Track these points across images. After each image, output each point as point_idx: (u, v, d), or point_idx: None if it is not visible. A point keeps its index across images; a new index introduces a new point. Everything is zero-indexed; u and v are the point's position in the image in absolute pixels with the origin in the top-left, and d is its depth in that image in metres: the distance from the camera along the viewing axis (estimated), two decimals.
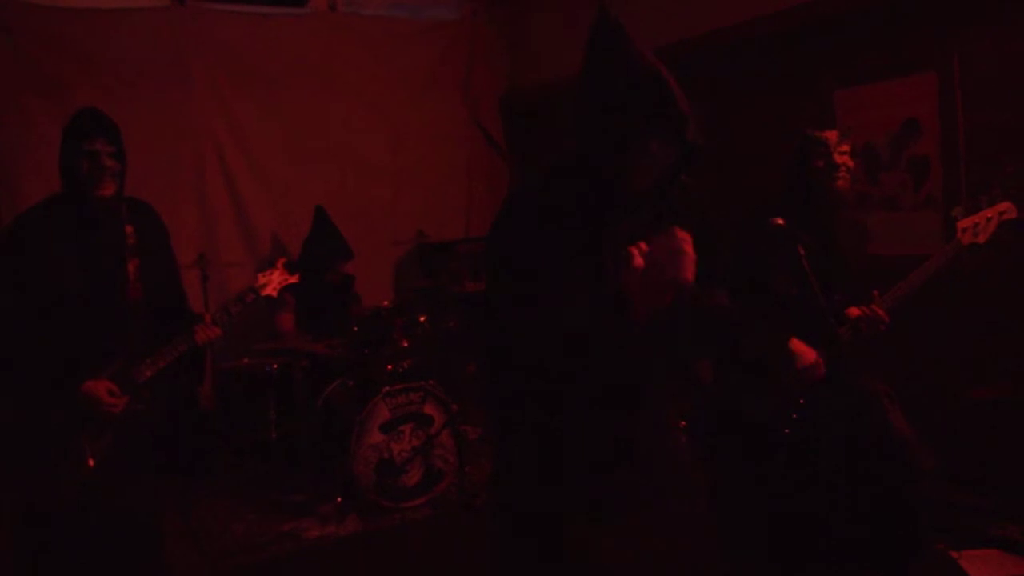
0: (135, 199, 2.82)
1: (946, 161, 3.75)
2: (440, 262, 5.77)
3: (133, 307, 2.71)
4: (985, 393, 3.50)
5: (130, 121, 3.04)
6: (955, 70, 3.67)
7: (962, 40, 3.63)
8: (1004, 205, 2.92)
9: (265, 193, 5.60)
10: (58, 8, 4.86)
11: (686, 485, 1.93)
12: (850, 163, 3.02)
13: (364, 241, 5.32)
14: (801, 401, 2.91)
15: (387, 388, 4.19)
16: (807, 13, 4.14)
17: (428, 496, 4.26)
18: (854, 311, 2.94)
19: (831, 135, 2.99)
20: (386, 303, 4.68)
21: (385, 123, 6.00)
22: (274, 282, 3.07)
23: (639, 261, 1.69)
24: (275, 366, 4.62)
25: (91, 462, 2.59)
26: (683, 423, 2.02)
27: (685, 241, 1.59)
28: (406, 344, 4.56)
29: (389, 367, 4.43)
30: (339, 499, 4.16)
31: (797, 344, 2.86)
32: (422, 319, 4.71)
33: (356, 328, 4.50)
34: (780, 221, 2.72)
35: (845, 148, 3.00)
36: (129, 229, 2.73)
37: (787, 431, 2.91)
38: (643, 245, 1.71)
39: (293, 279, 3.12)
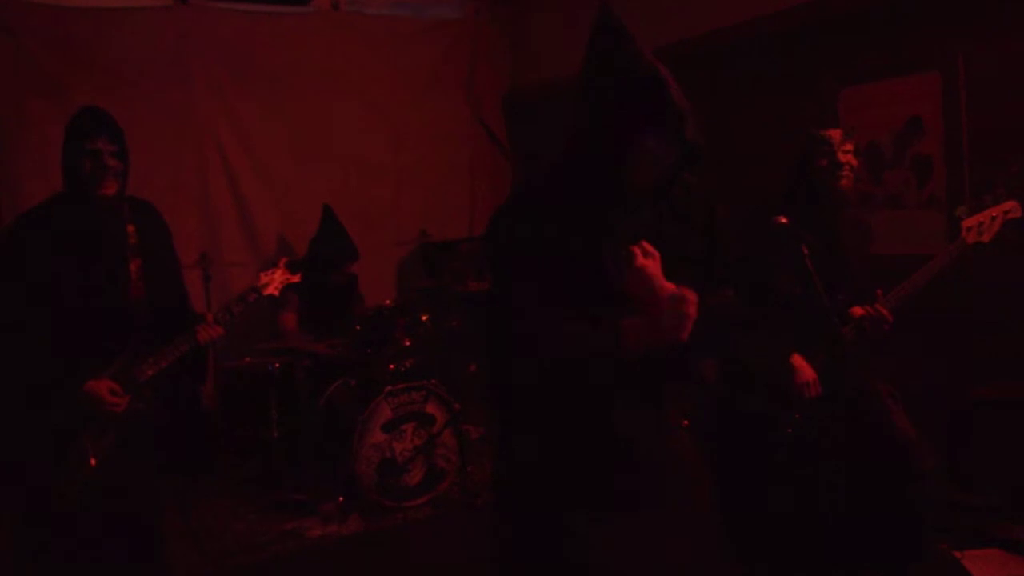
0: (137, 198, 2.82)
1: (950, 160, 3.75)
2: (443, 261, 5.77)
3: (135, 306, 2.70)
4: (988, 392, 3.49)
5: (132, 120, 3.04)
6: (959, 69, 3.66)
7: (966, 39, 3.62)
8: (1009, 204, 2.91)
9: (268, 192, 5.59)
10: (60, 7, 4.86)
11: (690, 485, 1.92)
12: (854, 162, 3.01)
13: (367, 240, 5.31)
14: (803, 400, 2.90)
15: (389, 387, 4.19)
16: (810, 12, 4.13)
17: (430, 495, 4.26)
18: (858, 311, 2.93)
19: (835, 134, 2.99)
20: (388, 302, 4.68)
21: (388, 122, 6.00)
22: (276, 281, 3.06)
23: (641, 261, 1.69)
24: (277, 365, 4.62)
25: (93, 461, 2.59)
26: (686, 422, 2.01)
27: (691, 304, 1.63)
28: (408, 343, 4.56)
29: (391, 366, 4.43)
30: (341, 498, 4.16)
31: (798, 360, 2.87)
32: (424, 318, 4.71)
33: (358, 327, 4.50)
34: (783, 220, 2.71)
35: (849, 147, 3.00)
36: (131, 228, 2.72)
37: (789, 430, 2.91)
38: (645, 244, 1.71)
39: (295, 278, 3.12)
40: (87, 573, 2.58)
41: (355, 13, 5.93)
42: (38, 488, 2.61)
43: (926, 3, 3.72)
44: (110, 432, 2.63)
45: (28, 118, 4.75)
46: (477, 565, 3.30)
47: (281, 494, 4.36)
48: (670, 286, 1.72)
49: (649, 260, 1.70)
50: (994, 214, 2.90)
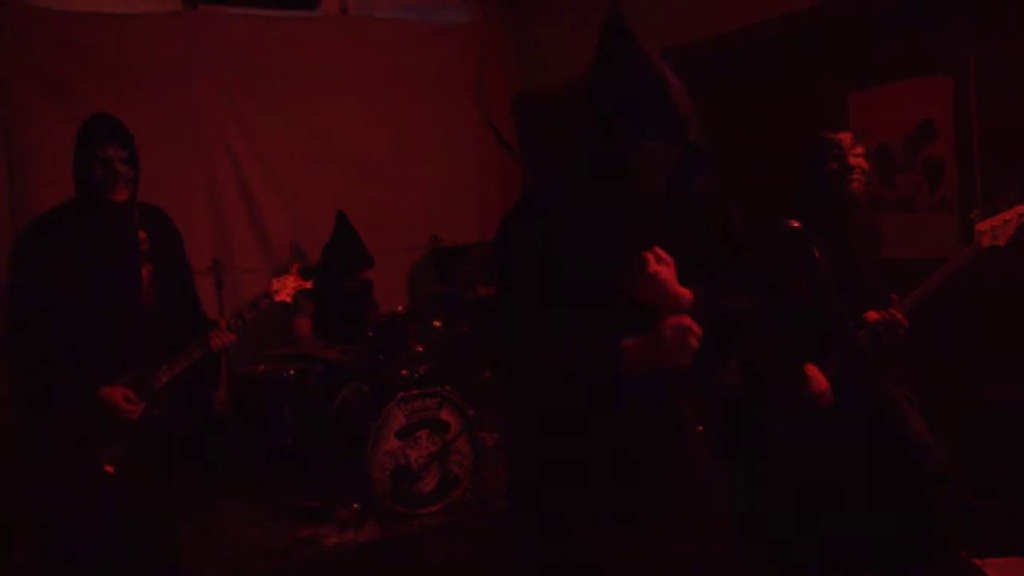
0: (148, 204, 2.84)
1: (961, 163, 3.73)
2: (454, 266, 5.76)
3: (147, 312, 2.72)
4: (1004, 394, 3.47)
5: (143, 126, 3.06)
6: (970, 73, 3.65)
7: (976, 43, 3.61)
8: (1023, 207, 2.90)
9: (278, 197, 5.60)
10: (70, 13, 4.88)
11: (702, 491, 1.92)
12: (864, 165, 3.00)
13: (378, 246, 5.31)
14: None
15: (402, 393, 4.19)
16: (821, 15, 4.12)
17: (445, 502, 4.25)
18: (873, 315, 2.91)
19: (845, 137, 2.97)
20: (400, 308, 4.68)
21: (397, 126, 6.00)
22: (288, 287, 3.08)
23: (654, 267, 1.69)
24: (291, 371, 4.63)
25: (108, 468, 2.60)
26: (700, 428, 2.00)
27: (694, 334, 1.64)
28: (421, 349, 4.56)
29: (404, 372, 4.42)
30: (356, 505, 4.16)
31: (812, 370, 2.86)
32: (437, 324, 4.71)
33: (371, 334, 4.50)
34: (795, 224, 2.70)
35: (859, 150, 2.98)
36: (142, 235, 2.74)
37: (804, 436, 2.89)
38: (659, 250, 1.71)
39: (307, 285, 3.13)
40: None
41: (364, 17, 5.93)
42: (56, 494, 2.63)
43: (936, 6, 3.70)
44: (125, 439, 2.64)
45: (39, 124, 4.76)
46: (492, 571, 3.30)
47: (296, 501, 4.36)
48: (685, 292, 1.72)
49: (662, 266, 1.70)
50: (1008, 217, 2.88)
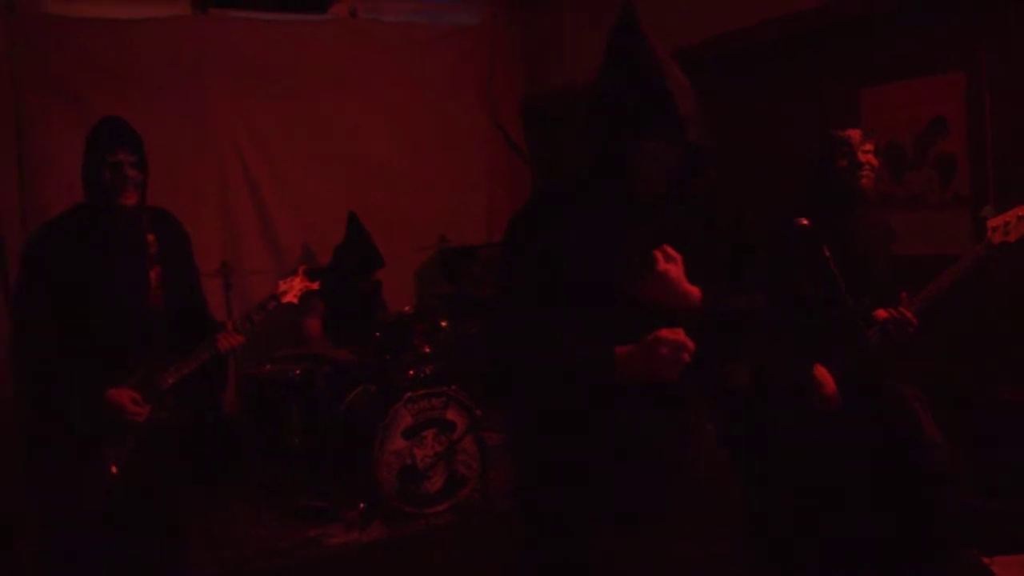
0: (156, 208, 2.85)
1: (973, 159, 3.70)
2: (462, 267, 5.76)
3: (155, 315, 2.73)
4: (1017, 394, 3.43)
5: (153, 129, 3.07)
6: (982, 69, 3.61)
7: (990, 39, 3.57)
8: None
9: (288, 200, 5.62)
10: (80, 19, 4.92)
11: (711, 488, 1.90)
12: (874, 162, 2.98)
13: (386, 247, 5.31)
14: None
15: (409, 394, 4.19)
16: (832, 13, 4.09)
17: (451, 502, 4.25)
18: (882, 313, 2.88)
19: (854, 134, 2.96)
20: (408, 309, 4.68)
21: (406, 128, 6.01)
22: (295, 289, 3.07)
23: (663, 265, 1.68)
24: (298, 372, 4.64)
25: (114, 469, 2.60)
26: (710, 426, 1.99)
27: (687, 349, 1.64)
28: (428, 350, 4.56)
29: (411, 373, 4.42)
30: (362, 505, 4.16)
31: (821, 372, 2.84)
32: (444, 324, 4.71)
33: (378, 334, 4.50)
34: (805, 221, 2.68)
35: (869, 147, 2.97)
36: (151, 238, 2.75)
37: (813, 436, 2.87)
38: (668, 248, 1.70)
39: (314, 286, 3.13)
40: None
41: (373, 20, 5.95)
42: (62, 496, 2.63)
43: (949, 3, 3.67)
44: (131, 440, 2.64)
45: (50, 128, 4.80)
46: (498, 571, 3.29)
47: (302, 501, 4.36)
48: (694, 290, 1.71)
49: (671, 264, 1.69)
50: (1021, 213, 2.84)
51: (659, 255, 1.69)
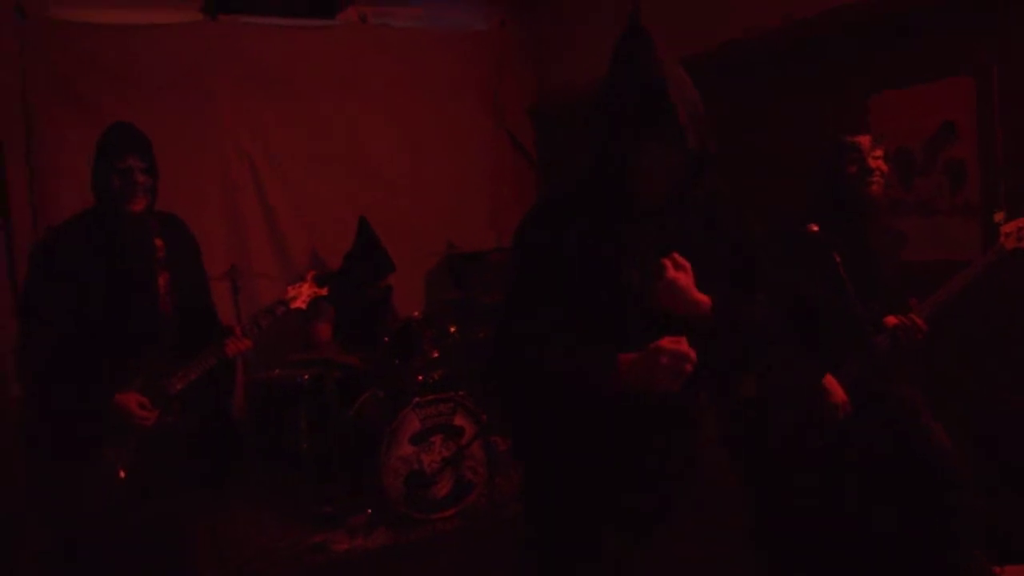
0: (165, 212, 2.86)
1: (984, 164, 3.68)
2: (470, 272, 5.76)
3: (163, 319, 2.73)
4: None
5: (162, 134, 3.08)
6: (992, 74, 3.59)
7: (1000, 43, 3.55)
8: None
9: (296, 204, 5.62)
10: (90, 25, 4.93)
11: (721, 495, 1.90)
12: (884, 168, 2.97)
13: (394, 252, 5.31)
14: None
15: (417, 399, 4.19)
16: (841, 17, 4.08)
17: (458, 507, 4.24)
18: (891, 320, 2.87)
19: (864, 140, 2.95)
20: (416, 314, 4.68)
21: (414, 133, 6.01)
22: (304, 295, 3.08)
23: (672, 273, 1.67)
24: (306, 377, 4.64)
25: (122, 474, 2.61)
26: (719, 433, 1.98)
27: (688, 360, 1.62)
28: (436, 355, 4.56)
29: (419, 378, 4.42)
30: (369, 511, 4.15)
31: (830, 381, 2.83)
32: (452, 330, 4.70)
33: (386, 339, 4.50)
34: (814, 228, 2.68)
35: (878, 153, 2.96)
36: (159, 243, 2.76)
37: (822, 442, 2.86)
38: (676, 256, 1.69)
39: (323, 292, 3.14)
40: None
41: (382, 26, 5.96)
42: (68, 500, 2.64)
43: (958, 7, 3.66)
44: (139, 445, 2.65)
45: (60, 133, 4.81)
46: None
47: (309, 506, 4.36)
48: (704, 298, 1.70)
49: (680, 272, 1.68)
50: None
51: (668, 263, 1.68)
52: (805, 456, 2.89)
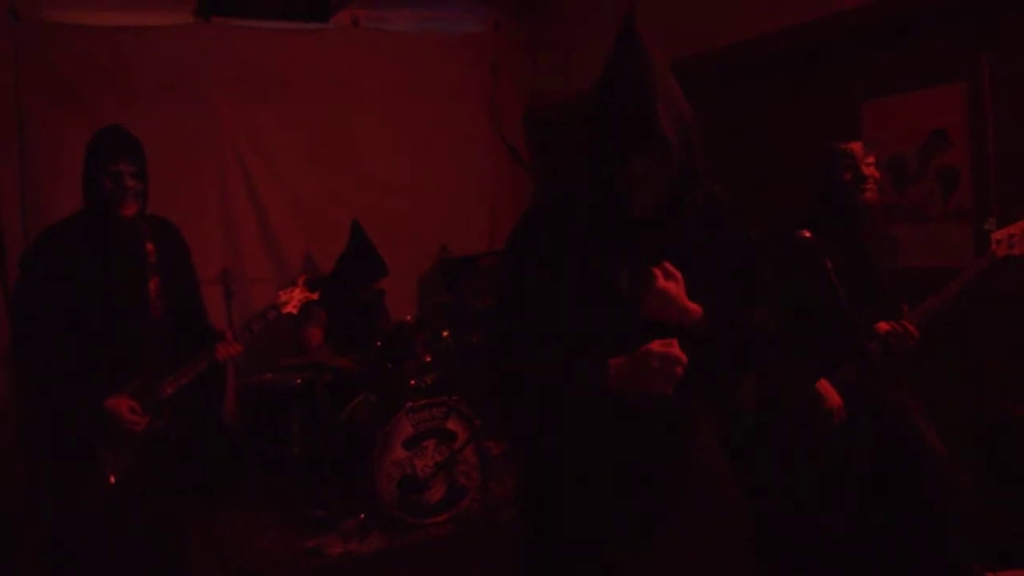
0: (156, 216, 2.85)
1: (976, 171, 3.69)
2: (463, 276, 5.75)
3: (154, 325, 2.72)
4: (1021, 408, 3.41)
5: (155, 136, 3.08)
6: (984, 80, 3.61)
7: (991, 50, 3.57)
8: None
9: (290, 209, 5.61)
10: (84, 27, 4.91)
11: (719, 503, 1.89)
12: (877, 175, 2.98)
13: (388, 255, 5.31)
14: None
15: (410, 403, 4.18)
16: (834, 24, 4.09)
17: (451, 512, 4.23)
18: (884, 326, 2.88)
19: (856, 147, 2.96)
20: (409, 318, 4.67)
21: (408, 137, 6.00)
22: (295, 299, 3.07)
23: (663, 283, 1.66)
24: (298, 381, 4.63)
25: (112, 479, 2.59)
26: (715, 440, 1.98)
27: (680, 363, 1.61)
28: (429, 359, 4.55)
29: (412, 382, 4.41)
30: (362, 515, 4.14)
31: (825, 386, 2.84)
32: (445, 334, 4.69)
33: (379, 343, 4.49)
34: (807, 234, 2.68)
35: (871, 160, 2.96)
36: (150, 247, 2.75)
37: (816, 449, 2.86)
38: (668, 265, 1.68)
39: (314, 296, 3.13)
40: None
41: (375, 29, 5.95)
42: (60, 505, 2.63)
43: (950, 14, 3.67)
44: (130, 450, 2.64)
45: (53, 134, 4.79)
46: None
47: (302, 511, 4.35)
48: (695, 307, 1.69)
49: (671, 282, 1.67)
50: None
51: (659, 272, 1.68)
52: (802, 459, 2.90)
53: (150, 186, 2.71)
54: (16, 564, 3.53)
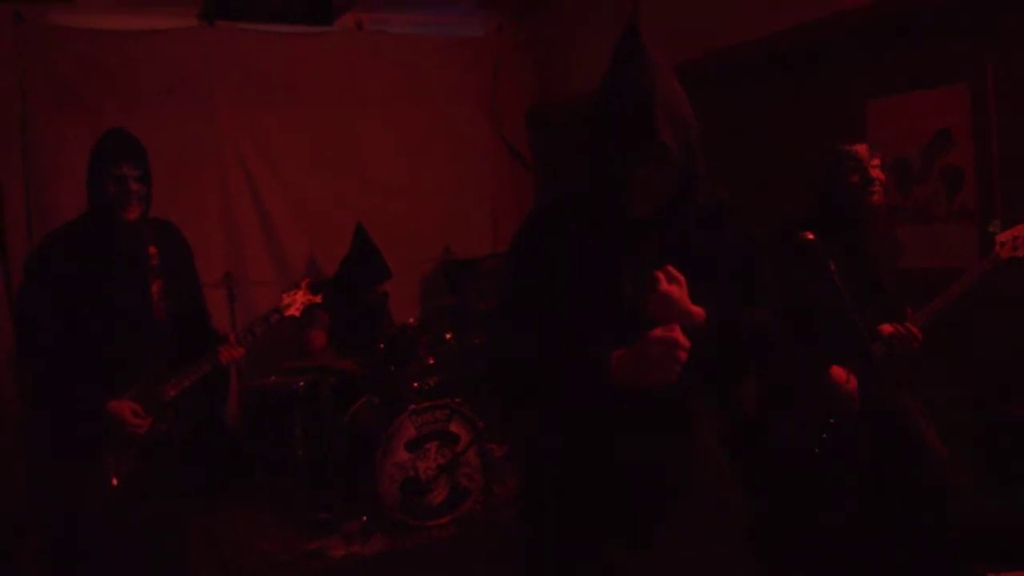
0: (159, 219, 2.86)
1: (980, 171, 3.68)
2: (466, 279, 5.75)
3: (157, 327, 2.73)
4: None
5: (159, 139, 3.09)
6: (988, 80, 3.60)
7: (995, 49, 3.56)
8: None
9: (292, 211, 5.62)
10: (88, 30, 4.93)
11: (721, 506, 1.89)
12: (882, 177, 2.97)
13: (390, 258, 5.31)
14: (831, 420, 2.85)
15: (413, 406, 4.18)
16: (838, 24, 4.08)
17: (454, 515, 4.23)
18: (887, 328, 2.87)
19: (862, 149, 2.94)
20: (412, 320, 4.67)
21: (411, 139, 6.01)
22: (298, 303, 3.08)
23: (666, 286, 1.66)
24: (302, 384, 4.63)
25: (115, 481, 2.60)
26: (718, 442, 1.98)
27: (681, 348, 1.60)
28: (432, 361, 4.55)
29: (415, 384, 4.42)
30: (364, 518, 4.14)
31: (837, 371, 2.83)
32: (448, 336, 4.70)
33: (382, 346, 4.49)
34: (810, 236, 2.67)
35: (876, 161, 2.95)
36: (153, 250, 2.76)
37: (818, 450, 2.85)
38: (671, 268, 1.68)
39: (317, 299, 3.14)
40: None
41: (378, 32, 5.96)
42: (63, 508, 2.63)
43: (953, 14, 3.66)
44: (133, 452, 2.64)
45: (57, 137, 4.81)
46: None
47: (305, 513, 4.35)
48: (698, 310, 1.69)
49: (674, 285, 1.67)
50: None
51: (661, 275, 1.67)
52: (804, 458, 2.89)
53: (153, 189, 2.72)
54: (16, 564, 3.54)
